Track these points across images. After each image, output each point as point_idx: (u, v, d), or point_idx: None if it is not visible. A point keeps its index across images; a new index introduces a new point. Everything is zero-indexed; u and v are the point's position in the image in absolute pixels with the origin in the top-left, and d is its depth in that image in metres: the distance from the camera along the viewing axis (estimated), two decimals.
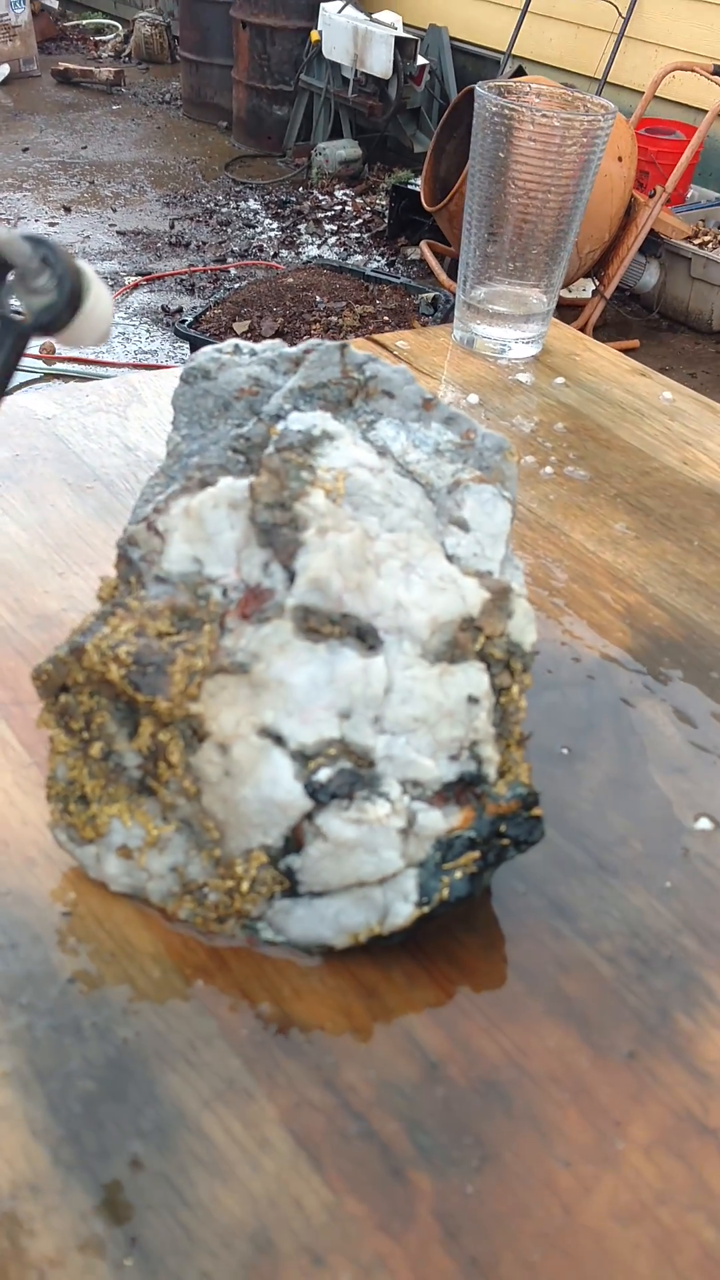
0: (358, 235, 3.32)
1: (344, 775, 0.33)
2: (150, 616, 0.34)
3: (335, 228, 3.37)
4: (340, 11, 3.45)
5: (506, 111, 0.65)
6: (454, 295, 2.57)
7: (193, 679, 0.34)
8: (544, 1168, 0.30)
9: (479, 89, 0.67)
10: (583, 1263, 0.28)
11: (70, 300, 0.27)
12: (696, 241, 2.69)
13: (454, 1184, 0.29)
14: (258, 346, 0.45)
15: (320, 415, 0.39)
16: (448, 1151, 0.30)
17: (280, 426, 0.39)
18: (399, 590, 0.35)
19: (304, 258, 3.13)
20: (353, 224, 3.39)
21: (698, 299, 2.69)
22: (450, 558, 0.37)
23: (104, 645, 0.34)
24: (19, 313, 0.27)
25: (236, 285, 2.70)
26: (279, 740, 0.34)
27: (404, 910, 0.33)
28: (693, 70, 2.43)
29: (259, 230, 3.37)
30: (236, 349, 0.45)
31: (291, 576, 0.35)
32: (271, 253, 3.20)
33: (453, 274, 2.75)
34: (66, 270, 0.26)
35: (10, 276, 0.27)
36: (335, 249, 3.23)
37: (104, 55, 5.04)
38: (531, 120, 0.65)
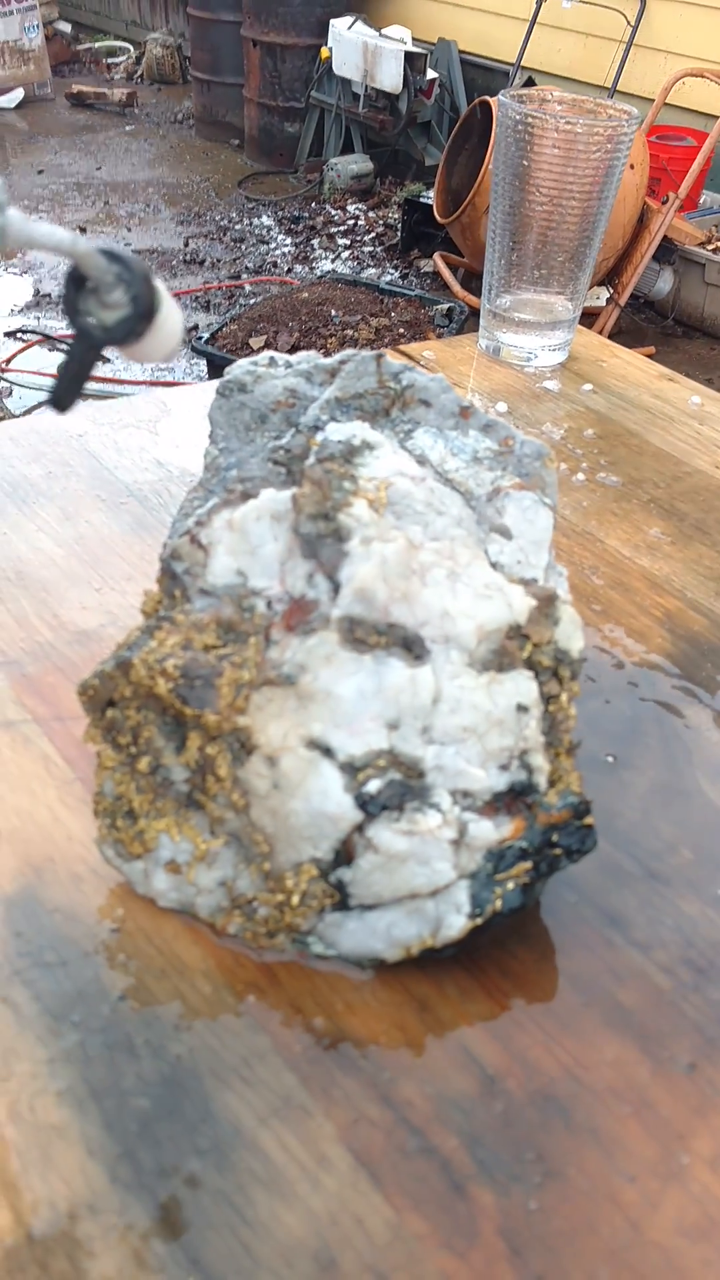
0: (371, 249, 3.34)
1: (394, 786, 0.33)
2: (196, 630, 0.34)
3: (348, 242, 3.39)
4: (350, 28, 3.48)
5: (529, 119, 0.66)
6: (468, 306, 2.57)
7: (240, 692, 0.33)
8: (608, 1183, 0.29)
9: (501, 97, 0.67)
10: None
11: (143, 316, 0.27)
12: (710, 247, 2.68)
13: (517, 1200, 0.29)
14: (293, 358, 0.45)
15: (359, 425, 0.39)
16: (509, 1167, 0.30)
17: (320, 437, 0.39)
18: (445, 599, 0.34)
19: (318, 272, 3.15)
20: (365, 238, 3.41)
21: (712, 305, 2.69)
22: (494, 565, 0.37)
23: (151, 659, 0.34)
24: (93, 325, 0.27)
25: (252, 301, 2.71)
26: (327, 752, 0.33)
27: (457, 922, 0.33)
28: (703, 76, 2.43)
29: (273, 246, 3.39)
30: (272, 361, 0.45)
31: (336, 587, 0.35)
32: (285, 268, 3.22)
33: (466, 285, 2.76)
34: (141, 287, 0.26)
35: (87, 287, 0.27)
36: (349, 263, 3.25)
37: (116, 77, 5.10)
38: (555, 127, 0.65)
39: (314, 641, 0.34)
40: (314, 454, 0.38)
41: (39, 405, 2.34)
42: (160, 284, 0.27)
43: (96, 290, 0.26)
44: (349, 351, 0.44)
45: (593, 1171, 0.30)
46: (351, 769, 0.33)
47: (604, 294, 2.62)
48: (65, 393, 0.29)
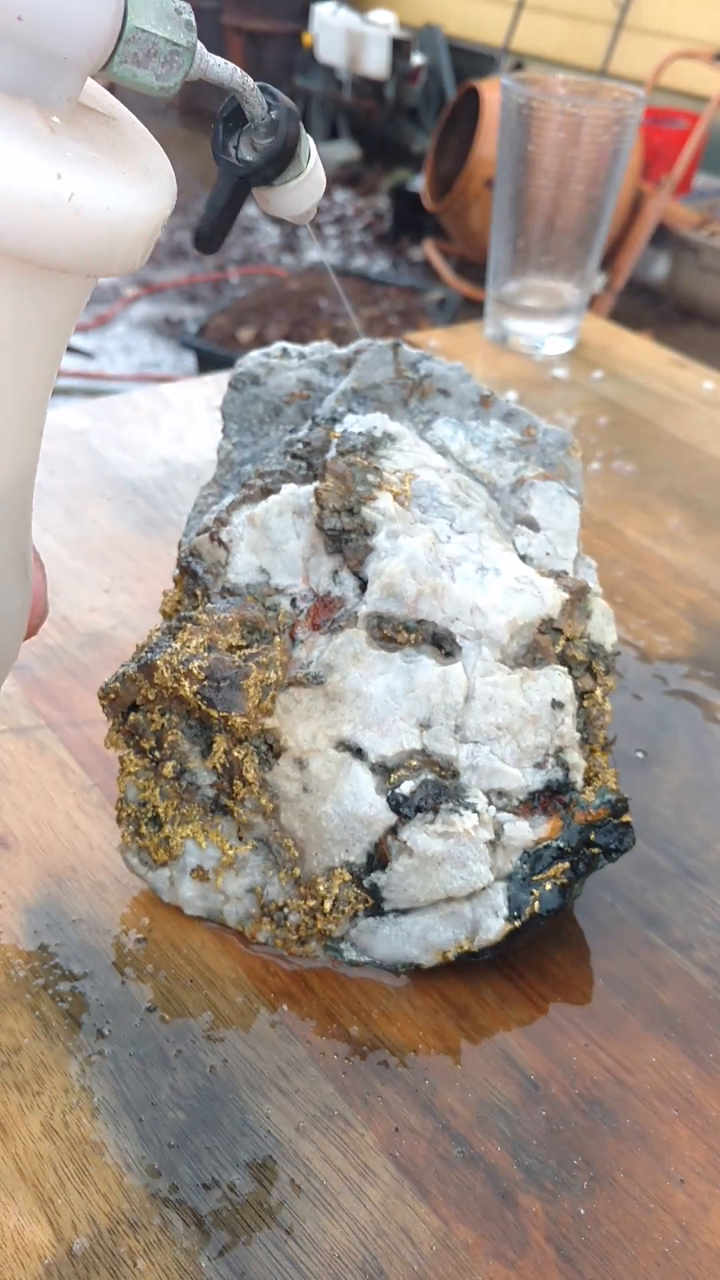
0: (359, 238, 3.32)
1: (428, 787, 0.32)
2: (220, 630, 0.33)
3: (337, 230, 3.37)
4: (333, 14, 3.45)
5: (533, 102, 0.64)
6: (461, 295, 2.54)
7: (267, 693, 0.33)
8: (657, 1187, 0.29)
9: (504, 80, 0.66)
10: None
11: (290, 158, 0.27)
12: (705, 231, 2.67)
13: (565, 1207, 0.28)
14: (306, 349, 0.44)
15: (379, 416, 0.39)
16: (556, 1173, 0.29)
17: (340, 429, 0.38)
18: (475, 593, 0.34)
19: (306, 262, 3.12)
20: (354, 226, 3.39)
21: (709, 289, 2.67)
22: (522, 558, 0.36)
23: (175, 661, 0.33)
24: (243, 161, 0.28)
25: (239, 293, 2.69)
26: (358, 753, 0.33)
27: (494, 925, 0.32)
28: (694, 57, 2.42)
29: (259, 236, 3.36)
30: (285, 352, 0.44)
31: (362, 583, 0.34)
32: (273, 258, 3.20)
33: (459, 273, 2.74)
34: (293, 129, 0.27)
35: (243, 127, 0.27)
36: (338, 252, 3.22)
37: None
38: (560, 110, 0.64)
39: (341, 640, 0.33)
40: (335, 446, 0.37)
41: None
42: (310, 139, 0.27)
43: (253, 130, 0.27)
44: (364, 341, 0.43)
45: (641, 1176, 0.29)
46: (383, 770, 0.33)
47: (599, 280, 2.60)
48: (214, 229, 0.29)
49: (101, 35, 0.20)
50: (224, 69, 0.24)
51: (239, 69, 0.25)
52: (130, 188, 0.21)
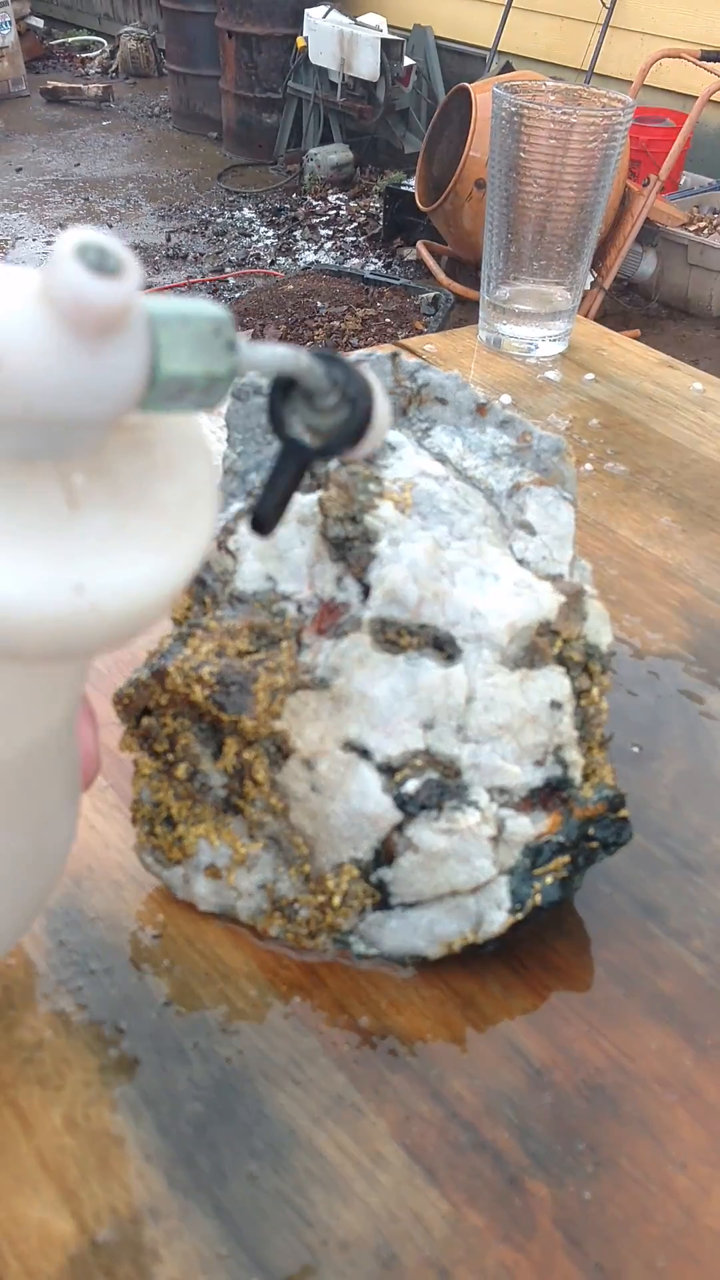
0: (353, 239, 3.33)
1: (432, 786, 0.33)
2: (230, 636, 0.35)
3: (331, 232, 3.38)
4: (325, 16, 3.46)
5: (523, 110, 0.66)
6: (454, 294, 2.55)
7: (275, 696, 0.34)
8: (660, 1171, 0.30)
9: (495, 89, 0.67)
10: (710, 1266, 0.28)
11: (363, 422, 0.22)
12: (692, 228, 2.68)
13: (571, 1191, 0.29)
14: None
15: None
16: (561, 1158, 0.30)
17: None
18: (475, 598, 0.35)
19: (301, 264, 3.13)
20: (348, 228, 3.40)
21: (696, 286, 2.69)
22: (520, 562, 0.37)
23: (186, 667, 0.34)
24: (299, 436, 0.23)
25: (236, 295, 2.70)
26: (365, 753, 0.34)
27: (498, 918, 0.33)
28: (680, 57, 2.43)
29: (255, 239, 3.37)
30: None
31: (365, 589, 0.35)
32: (269, 260, 3.21)
33: (451, 273, 2.75)
34: (360, 392, 0.22)
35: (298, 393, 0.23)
36: (332, 254, 3.23)
37: (91, 72, 5.05)
38: (550, 117, 0.65)
39: (346, 644, 0.34)
40: None
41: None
42: (375, 379, 0.23)
43: (309, 396, 0.23)
44: (364, 352, 0.44)
45: (644, 1160, 0.30)
46: (389, 769, 0.34)
47: (588, 278, 2.62)
48: (274, 512, 0.25)
49: (126, 397, 0.17)
50: (274, 358, 0.20)
51: (290, 350, 0.21)
52: (158, 557, 0.18)
